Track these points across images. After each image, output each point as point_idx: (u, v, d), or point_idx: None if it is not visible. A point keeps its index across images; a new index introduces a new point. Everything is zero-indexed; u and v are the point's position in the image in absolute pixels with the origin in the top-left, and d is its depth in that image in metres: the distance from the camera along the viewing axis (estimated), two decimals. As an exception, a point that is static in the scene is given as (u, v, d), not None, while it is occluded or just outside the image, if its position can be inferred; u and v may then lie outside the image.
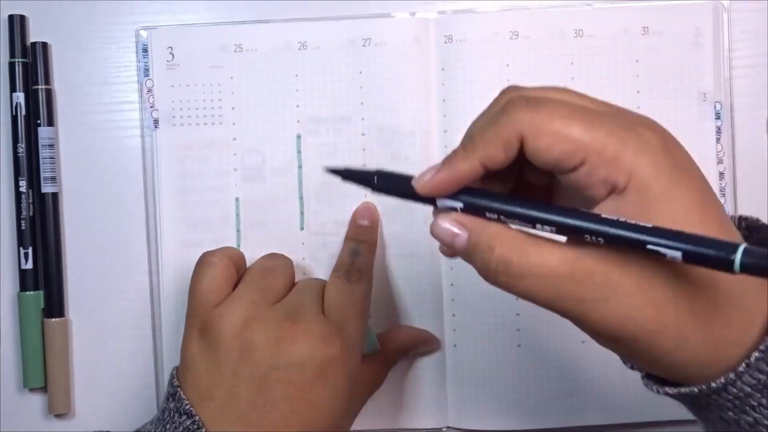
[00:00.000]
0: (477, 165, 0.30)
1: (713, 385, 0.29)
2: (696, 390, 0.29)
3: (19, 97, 0.48)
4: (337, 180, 0.45)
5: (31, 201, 0.48)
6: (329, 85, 0.48)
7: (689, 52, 0.47)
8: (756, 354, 0.28)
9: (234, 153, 0.48)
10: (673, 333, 0.28)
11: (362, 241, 0.46)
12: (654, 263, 0.28)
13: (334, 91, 0.48)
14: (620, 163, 0.28)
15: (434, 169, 0.31)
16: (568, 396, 0.47)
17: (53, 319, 0.48)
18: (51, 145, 0.48)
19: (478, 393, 0.47)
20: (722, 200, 0.47)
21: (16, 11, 0.48)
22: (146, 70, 0.48)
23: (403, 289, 0.48)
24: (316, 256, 0.48)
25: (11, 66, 0.48)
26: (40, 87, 0.48)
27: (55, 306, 0.48)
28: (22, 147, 0.48)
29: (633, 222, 0.27)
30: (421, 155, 0.47)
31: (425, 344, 0.47)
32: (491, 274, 0.30)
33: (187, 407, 0.39)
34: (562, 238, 0.29)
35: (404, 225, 0.48)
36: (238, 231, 0.48)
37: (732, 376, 0.28)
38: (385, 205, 0.48)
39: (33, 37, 0.48)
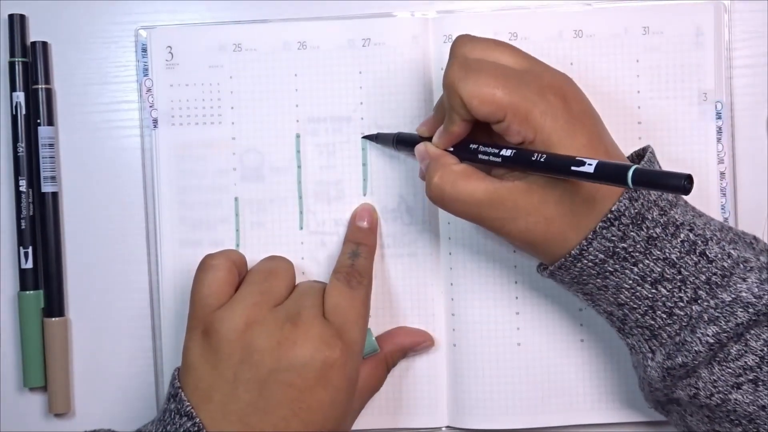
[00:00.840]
0: (465, 126, 0.40)
1: (573, 252, 0.38)
2: (563, 260, 0.39)
3: (19, 96, 0.48)
4: (335, 180, 0.47)
5: (31, 200, 0.48)
6: (328, 85, 0.48)
7: (690, 52, 0.47)
8: (600, 224, 0.38)
9: (233, 152, 0.48)
10: (560, 237, 0.39)
11: (361, 243, 0.46)
12: (548, 191, 0.38)
13: (334, 90, 0.48)
14: (530, 122, 0.38)
15: (437, 135, 0.42)
16: (567, 395, 0.47)
17: (53, 319, 0.48)
18: (51, 145, 0.48)
19: (477, 392, 0.47)
20: (722, 200, 0.47)
21: (16, 11, 0.48)
22: (145, 70, 0.48)
23: (402, 289, 0.48)
24: (315, 255, 0.48)
25: (11, 65, 0.48)
26: (40, 86, 0.48)
27: (55, 305, 0.48)
28: (22, 146, 0.48)
29: (560, 155, 0.37)
30: None
31: (423, 344, 0.47)
32: (430, 196, 0.40)
33: (187, 409, 0.39)
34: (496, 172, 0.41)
35: (403, 224, 0.48)
36: (237, 231, 0.48)
37: (584, 242, 0.38)
38: (384, 204, 0.48)
39: (33, 36, 0.49)
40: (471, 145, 0.41)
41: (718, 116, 0.48)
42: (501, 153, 0.39)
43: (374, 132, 0.48)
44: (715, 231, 0.39)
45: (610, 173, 0.34)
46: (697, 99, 0.47)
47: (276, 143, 0.48)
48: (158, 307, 0.48)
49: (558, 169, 0.36)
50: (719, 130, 0.48)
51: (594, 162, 0.34)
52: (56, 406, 0.48)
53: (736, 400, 0.38)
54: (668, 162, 0.46)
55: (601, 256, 0.38)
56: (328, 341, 0.40)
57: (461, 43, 0.41)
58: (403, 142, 0.46)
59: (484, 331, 0.47)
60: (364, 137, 0.48)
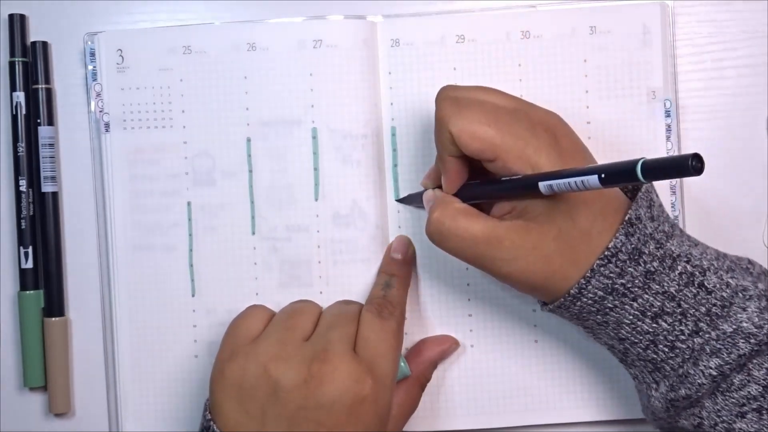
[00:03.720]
0: (458, 163, 0.41)
1: (572, 291, 0.38)
2: (562, 299, 0.39)
3: (19, 96, 0.48)
4: (286, 184, 0.47)
5: (31, 200, 0.48)
6: (279, 87, 0.48)
7: (637, 51, 0.47)
8: (597, 262, 0.38)
9: (185, 156, 0.48)
10: (559, 275, 0.39)
11: (394, 275, 0.46)
12: (545, 227, 0.38)
13: (284, 93, 0.48)
14: (524, 159, 0.38)
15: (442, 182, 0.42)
16: (522, 396, 0.48)
17: (53, 319, 0.48)
18: (51, 145, 0.48)
19: (430, 395, 0.47)
20: (672, 198, 0.48)
21: (16, 11, 0.48)
22: (94, 74, 0.48)
23: (356, 296, 0.47)
24: (268, 260, 0.48)
25: (11, 65, 0.48)
26: (40, 86, 0.48)
27: (55, 305, 0.48)
28: (22, 146, 0.48)
29: (569, 170, 0.36)
30: (374, 158, 0.47)
31: (450, 349, 0.47)
32: (429, 231, 0.40)
33: None
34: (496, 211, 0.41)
35: (356, 229, 0.47)
36: (190, 235, 0.48)
37: (582, 281, 0.38)
38: (336, 210, 0.47)
39: (33, 36, 0.49)
40: (471, 182, 0.41)
41: (667, 114, 0.48)
42: (506, 178, 0.39)
43: (323, 137, 0.47)
44: (711, 260, 0.39)
45: (620, 172, 0.33)
46: (646, 97, 0.47)
47: (227, 147, 0.48)
48: (111, 311, 0.48)
49: (568, 180, 0.36)
50: (668, 128, 0.48)
51: (601, 166, 0.34)
52: (56, 406, 0.48)
53: (740, 429, 0.38)
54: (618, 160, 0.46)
55: (600, 293, 0.38)
56: (357, 378, 0.39)
57: (449, 89, 0.41)
58: (409, 200, 0.47)
59: (436, 333, 0.47)
60: (398, 200, 0.47)
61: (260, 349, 0.41)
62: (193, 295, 0.48)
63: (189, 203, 0.48)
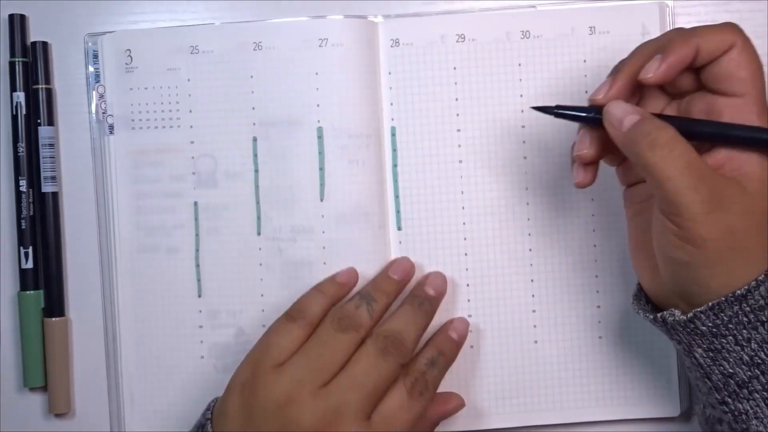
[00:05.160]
0: (693, 51, 0.36)
1: (738, 291, 0.34)
2: (722, 299, 0.35)
3: (20, 96, 0.48)
4: (291, 184, 0.47)
5: (31, 200, 0.48)
6: (285, 87, 0.48)
7: None
8: None
9: (192, 156, 0.48)
10: (745, 255, 0.35)
11: (443, 354, 0.44)
12: (756, 201, 0.35)
13: (290, 92, 0.47)
14: (762, 121, 0.35)
15: (658, 61, 0.36)
16: (521, 396, 0.48)
17: (53, 319, 0.48)
18: (51, 145, 0.48)
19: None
20: None
21: (17, 11, 0.48)
22: (97, 76, 0.48)
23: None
24: (271, 262, 0.47)
25: (11, 65, 0.48)
26: (40, 86, 0.48)
27: (55, 305, 0.48)
28: (22, 146, 0.48)
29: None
30: (376, 159, 0.47)
31: (454, 412, 0.46)
32: (648, 152, 0.35)
33: None
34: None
35: (360, 230, 0.47)
36: (197, 235, 0.48)
37: (754, 283, 0.34)
38: (341, 210, 0.47)
39: (33, 36, 0.49)
40: (685, 118, 0.38)
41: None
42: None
43: (329, 137, 0.47)
44: None
45: None
46: None
47: (233, 147, 0.48)
48: (114, 312, 0.48)
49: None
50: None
51: None
52: (56, 406, 0.48)
53: None
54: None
55: (762, 302, 0.35)
56: None
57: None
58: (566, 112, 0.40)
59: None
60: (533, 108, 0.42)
61: (279, 382, 0.40)
62: (199, 296, 0.48)
63: (195, 203, 0.48)
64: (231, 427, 0.40)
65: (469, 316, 0.47)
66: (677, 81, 0.38)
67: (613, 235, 0.47)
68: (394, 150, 0.48)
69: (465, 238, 0.47)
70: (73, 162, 0.49)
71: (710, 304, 0.35)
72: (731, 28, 0.36)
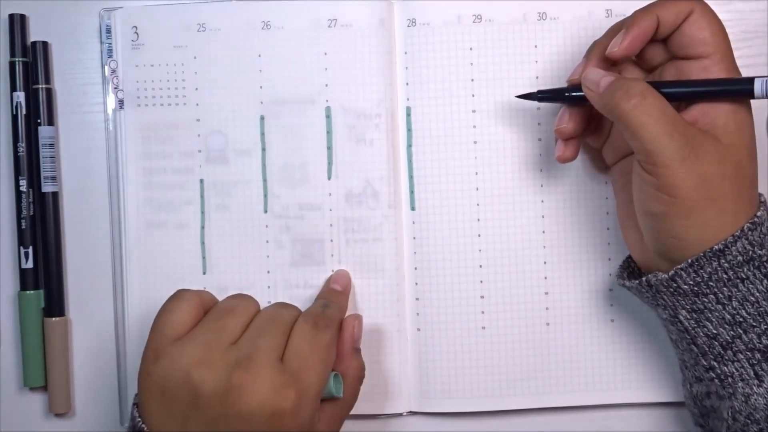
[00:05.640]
0: (654, 22, 0.38)
1: (716, 247, 0.36)
2: (701, 255, 0.36)
3: (20, 96, 0.48)
4: (299, 162, 0.47)
5: (31, 200, 0.48)
6: (293, 66, 0.48)
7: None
8: (748, 224, 0.36)
9: (198, 134, 0.48)
10: (719, 205, 0.36)
11: (333, 301, 0.45)
12: (730, 152, 0.36)
13: (298, 72, 0.48)
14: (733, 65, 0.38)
15: (622, 35, 0.39)
16: (533, 378, 0.47)
17: (53, 319, 0.48)
18: (51, 145, 0.48)
19: (441, 376, 0.47)
20: None
21: (17, 11, 0.48)
22: (110, 51, 0.48)
23: (368, 274, 0.47)
24: (279, 239, 0.48)
25: (11, 65, 0.48)
26: (40, 86, 0.48)
27: (55, 305, 0.48)
28: (22, 146, 0.48)
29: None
30: (386, 138, 0.47)
31: (357, 328, 0.45)
32: (623, 103, 0.37)
33: None
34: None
35: (368, 209, 0.47)
36: (202, 213, 0.48)
37: (731, 239, 0.36)
38: (349, 189, 0.47)
39: (33, 36, 0.49)
40: (658, 80, 0.40)
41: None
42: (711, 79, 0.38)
43: (338, 116, 0.47)
44: None
45: None
46: None
47: (240, 125, 0.48)
48: (124, 291, 0.48)
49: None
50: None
51: None
52: (56, 406, 0.48)
53: None
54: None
55: (740, 258, 0.36)
56: (279, 390, 0.38)
57: None
58: (548, 95, 0.43)
59: (448, 315, 0.47)
60: (518, 96, 0.44)
61: (185, 351, 0.39)
62: (204, 273, 0.47)
63: (202, 181, 0.48)
64: (152, 412, 0.39)
65: (482, 297, 0.47)
66: (648, 54, 0.41)
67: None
68: (409, 130, 0.47)
69: (478, 219, 0.47)
70: (73, 162, 0.49)
71: (690, 260, 0.37)
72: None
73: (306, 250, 0.47)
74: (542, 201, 0.47)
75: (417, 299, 0.47)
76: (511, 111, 0.47)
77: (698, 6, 0.38)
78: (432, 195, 0.47)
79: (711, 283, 0.37)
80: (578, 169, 0.47)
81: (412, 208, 0.47)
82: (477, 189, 0.47)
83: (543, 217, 0.47)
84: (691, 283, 0.37)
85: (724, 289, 0.37)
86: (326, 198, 0.47)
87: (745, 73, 0.46)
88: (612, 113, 0.38)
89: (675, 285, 0.38)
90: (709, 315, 0.38)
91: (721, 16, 0.45)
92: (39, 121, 0.48)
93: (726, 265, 0.37)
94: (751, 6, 0.48)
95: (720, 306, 0.38)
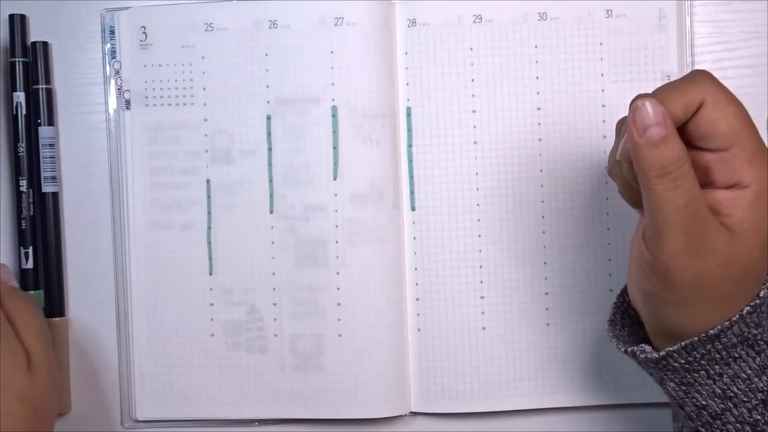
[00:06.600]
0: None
1: (711, 332, 0.34)
2: (695, 339, 0.34)
3: (20, 96, 0.48)
4: (305, 162, 0.47)
5: (31, 200, 0.48)
6: (299, 65, 0.48)
7: (653, 35, 0.48)
8: (747, 308, 0.34)
9: (205, 134, 0.48)
10: (713, 303, 0.34)
11: None
12: (744, 240, 0.33)
13: (305, 71, 0.48)
14: (753, 167, 0.33)
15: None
16: (533, 378, 0.47)
17: (53, 319, 0.48)
18: (51, 145, 0.48)
19: (441, 377, 0.47)
20: None
21: (17, 11, 0.48)
22: (113, 52, 0.48)
23: (371, 274, 0.47)
24: (285, 240, 0.47)
25: (12, 65, 0.48)
26: (40, 86, 0.48)
27: (55, 305, 0.48)
28: (22, 146, 0.48)
29: None
30: (391, 139, 0.47)
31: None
32: (654, 173, 0.33)
33: None
34: None
35: (374, 209, 0.47)
36: (208, 213, 0.48)
37: (726, 323, 0.34)
38: (354, 189, 0.47)
39: (33, 36, 0.49)
40: None
41: (683, 98, 0.48)
42: None
43: (343, 116, 0.47)
44: None
45: None
46: (661, 82, 0.47)
47: (247, 125, 0.48)
48: (127, 291, 0.48)
49: None
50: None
51: None
52: (56, 407, 0.48)
53: None
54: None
55: (735, 340, 0.35)
56: None
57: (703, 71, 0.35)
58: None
59: (449, 315, 0.47)
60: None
61: None
62: (210, 274, 0.48)
63: (208, 181, 0.48)
64: None
65: (482, 297, 0.47)
66: None
67: (627, 219, 0.47)
68: (409, 130, 0.47)
69: (479, 219, 0.47)
70: (73, 162, 0.49)
71: (683, 344, 0.35)
72: (695, 83, 0.33)
73: (311, 251, 0.47)
74: (542, 201, 0.47)
75: (417, 299, 0.47)
76: (511, 111, 0.47)
77: (709, 95, 0.33)
78: (432, 195, 0.47)
79: (703, 362, 0.36)
80: (578, 170, 0.47)
81: (413, 209, 0.47)
82: (477, 189, 0.47)
83: (543, 217, 0.47)
84: (683, 362, 0.36)
85: (716, 366, 0.36)
86: (332, 198, 0.47)
87: (745, 73, 0.46)
88: (639, 173, 0.34)
89: (664, 363, 0.36)
90: (699, 388, 0.36)
91: (721, 16, 0.45)
92: (39, 121, 0.48)
93: (719, 346, 0.35)
94: (751, 6, 0.48)
95: (710, 381, 0.36)
